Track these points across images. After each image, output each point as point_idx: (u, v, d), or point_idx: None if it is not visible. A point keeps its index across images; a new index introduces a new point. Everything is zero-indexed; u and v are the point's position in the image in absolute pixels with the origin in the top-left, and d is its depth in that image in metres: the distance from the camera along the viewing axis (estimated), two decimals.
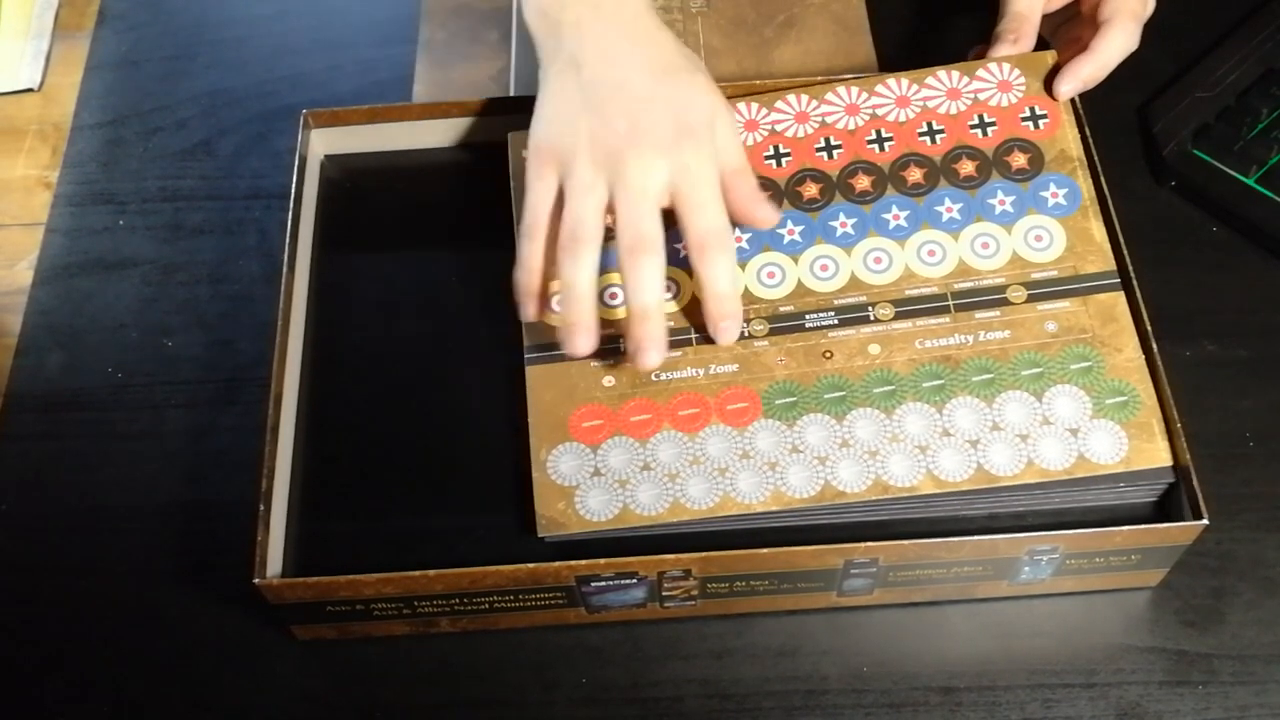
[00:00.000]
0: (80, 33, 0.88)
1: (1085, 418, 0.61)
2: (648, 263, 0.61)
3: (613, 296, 0.67)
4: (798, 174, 0.69)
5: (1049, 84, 0.69)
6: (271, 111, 0.82)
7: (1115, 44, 0.68)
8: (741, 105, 0.71)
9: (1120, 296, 0.64)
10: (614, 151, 0.62)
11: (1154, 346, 0.62)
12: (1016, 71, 0.70)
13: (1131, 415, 0.61)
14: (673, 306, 0.66)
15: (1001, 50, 0.70)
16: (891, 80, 0.71)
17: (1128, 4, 0.69)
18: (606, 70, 0.64)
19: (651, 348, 0.62)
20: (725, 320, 0.63)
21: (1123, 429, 0.61)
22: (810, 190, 0.69)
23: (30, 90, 0.86)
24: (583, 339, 0.62)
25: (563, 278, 0.62)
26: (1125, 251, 0.65)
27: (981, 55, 0.72)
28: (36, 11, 0.89)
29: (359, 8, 0.87)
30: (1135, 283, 0.64)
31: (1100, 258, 0.65)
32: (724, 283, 0.63)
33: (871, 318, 0.65)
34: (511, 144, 0.72)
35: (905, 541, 0.58)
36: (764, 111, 0.71)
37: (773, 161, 0.69)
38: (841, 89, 0.71)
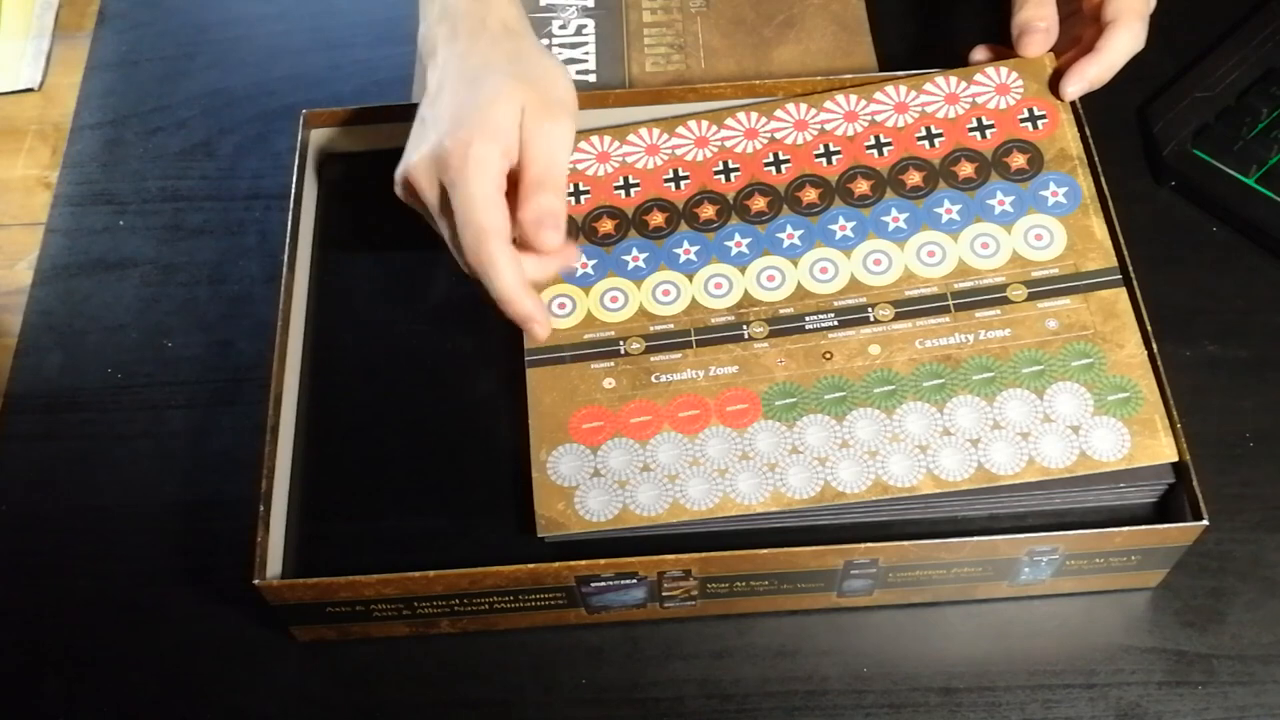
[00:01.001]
0: (80, 33, 0.88)
1: (1087, 414, 0.61)
2: (487, 278, 0.62)
3: (614, 300, 0.67)
4: (797, 179, 0.69)
5: (1054, 85, 0.69)
6: (271, 111, 0.82)
7: (1121, 44, 0.68)
8: (740, 114, 0.71)
9: (1122, 293, 0.64)
10: (406, 173, 0.63)
11: (1154, 345, 0.62)
12: (1014, 75, 0.70)
13: (1134, 411, 0.61)
14: (674, 311, 0.66)
15: (1035, 38, 0.69)
16: (890, 87, 0.71)
17: (1132, 3, 0.68)
18: (431, 90, 0.65)
19: (530, 323, 0.64)
20: (523, 322, 0.63)
21: (1125, 425, 0.61)
22: (810, 195, 0.69)
23: (30, 90, 0.86)
24: (536, 328, 0.64)
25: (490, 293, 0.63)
26: (1125, 248, 0.65)
27: (997, 55, 0.71)
28: (36, 11, 0.89)
29: (359, 8, 0.87)
30: (1135, 280, 0.64)
31: (1101, 254, 0.65)
32: (497, 291, 0.62)
33: (871, 318, 0.65)
34: None
35: (905, 542, 0.58)
36: (763, 120, 0.71)
37: (772, 168, 0.69)
38: (840, 97, 0.71)
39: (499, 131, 0.61)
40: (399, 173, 0.65)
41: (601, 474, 0.62)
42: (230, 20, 0.87)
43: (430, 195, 0.63)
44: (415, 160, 0.63)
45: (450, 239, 0.63)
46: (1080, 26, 0.71)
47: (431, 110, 0.64)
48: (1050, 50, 0.70)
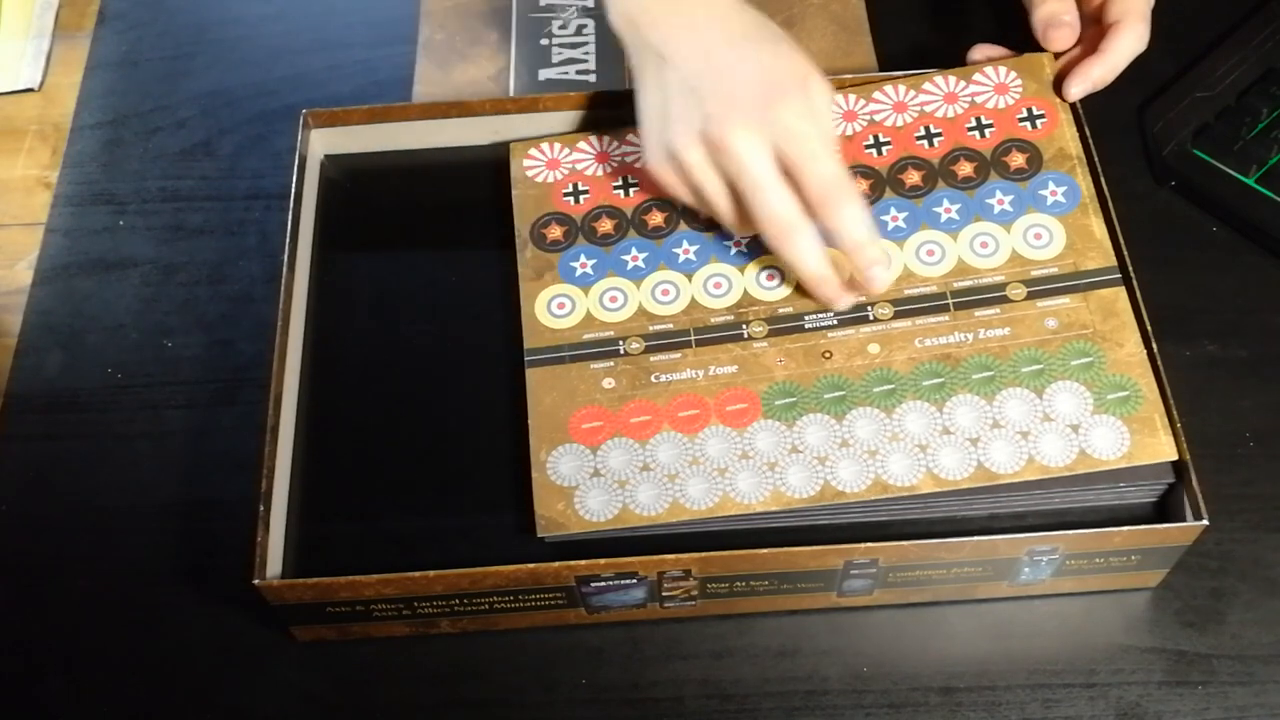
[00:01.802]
0: (80, 33, 0.88)
1: (1086, 413, 0.61)
2: (794, 242, 0.62)
3: (613, 300, 0.67)
4: None
5: (1056, 86, 0.69)
6: (271, 111, 0.82)
7: (1125, 45, 0.68)
8: None
9: (1121, 291, 0.64)
10: (709, 134, 0.62)
11: (1154, 345, 0.62)
12: (1013, 74, 0.70)
13: (1133, 410, 0.61)
14: (674, 311, 0.66)
15: (1061, 32, 0.69)
16: (889, 87, 0.71)
17: (1135, 3, 0.69)
18: (689, 54, 0.63)
19: (835, 299, 0.64)
20: (872, 268, 0.63)
21: (1124, 424, 0.61)
22: None
23: (30, 90, 0.86)
24: (844, 300, 0.65)
25: (797, 271, 0.64)
26: (1125, 248, 0.65)
27: (996, 54, 0.71)
28: (36, 11, 0.89)
29: (359, 8, 0.87)
30: (1135, 280, 0.64)
31: (1100, 253, 0.65)
32: (856, 231, 0.62)
33: (871, 317, 0.65)
34: (513, 154, 0.72)
35: (905, 542, 0.58)
36: None
37: None
38: (839, 96, 0.71)
39: (823, 96, 0.63)
40: (649, 144, 0.65)
41: (601, 474, 0.62)
42: (230, 20, 0.87)
43: (756, 163, 0.61)
44: (670, 137, 0.62)
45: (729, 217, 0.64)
46: (1081, 27, 0.71)
47: (662, 72, 0.63)
48: (1046, 54, 0.71)
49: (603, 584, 0.60)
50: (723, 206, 0.64)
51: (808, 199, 0.62)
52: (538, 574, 0.58)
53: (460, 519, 0.64)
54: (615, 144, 0.72)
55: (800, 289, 0.66)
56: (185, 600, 0.65)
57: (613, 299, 0.67)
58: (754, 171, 0.61)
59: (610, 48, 0.82)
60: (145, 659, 0.64)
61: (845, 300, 0.65)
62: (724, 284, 0.67)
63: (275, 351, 0.65)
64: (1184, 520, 0.60)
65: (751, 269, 0.67)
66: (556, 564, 0.58)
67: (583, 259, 0.68)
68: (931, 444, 0.61)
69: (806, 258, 0.63)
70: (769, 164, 0.61)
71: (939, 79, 0.71)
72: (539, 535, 0.61)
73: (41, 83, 0.86)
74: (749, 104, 0.61)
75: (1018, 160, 0.68)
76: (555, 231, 0.70)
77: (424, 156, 0.76)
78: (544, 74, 0.81)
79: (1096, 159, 0.67)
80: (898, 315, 0.65)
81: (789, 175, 0.62)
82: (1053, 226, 0.66)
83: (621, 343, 0.66)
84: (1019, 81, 0.70)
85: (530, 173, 0.72)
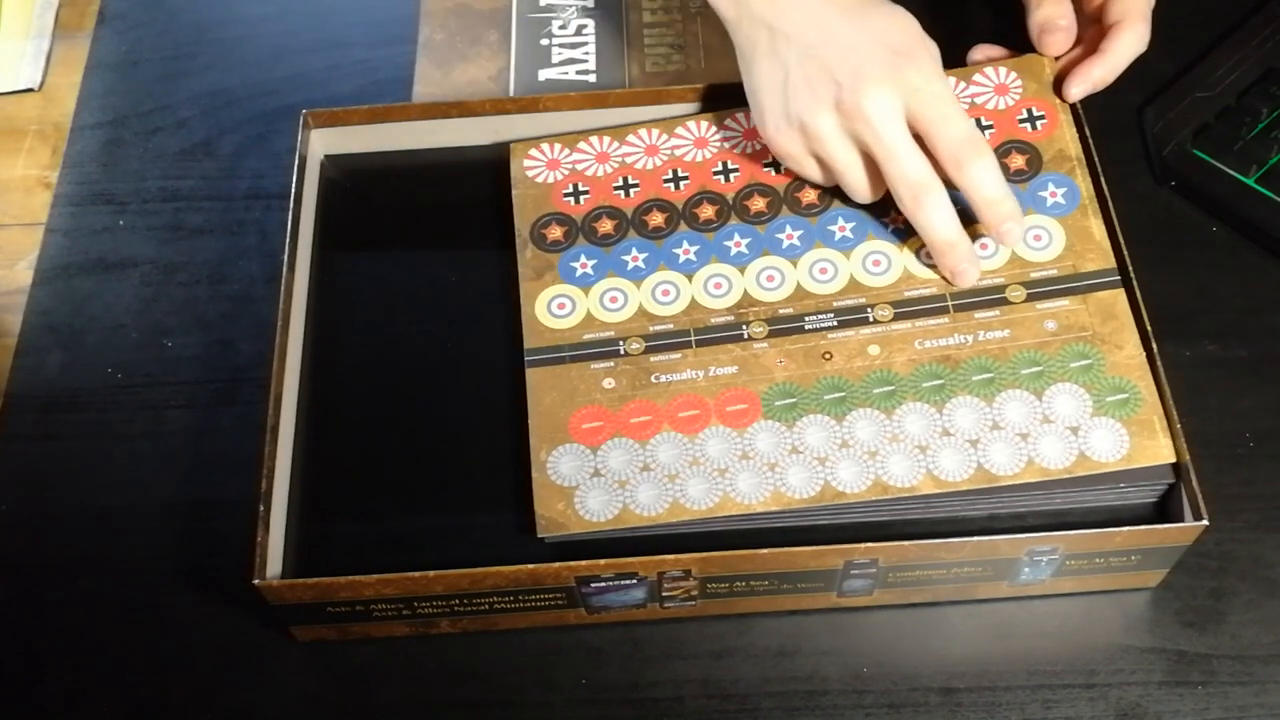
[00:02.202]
0: (80, 33, 0.88)
1: (1086, 416, 0.61)
2: (930, 204, 0.62)
3: (614, 300, 0.67)
4: (796, 180, 0.69)
5: (1057, 87, 0.69)
6: (271, 111, 0.82)
7: (1126, 45, 0.68)
8: (739, 115, 0.71)
9: (1120, 294, 0.64)
10: (843, 102, 0.62)
11: (1154, 346, 0.62)
12: (1013, 75, 0.70)
13: (1132, 412, 0.61)
14: (674, 311, 0.66)
15: (1057, 36, 0.70)
16: None
17: (1136, 4, 0.69)
18: (803, 25, 0.64)
19: (967, 269, 0.64)
20: (1005, 223, 0.63)
21: (1123, 426, 0.61)
22: (809, 195, 0.69)
23: (30, 90, 0.86)
24: (973, 271, 0.65)
25: (926, 236, 0.64)
26: (1125, 249, 0.65)
27: (997, 55, 0.72)
28: (36, 11, 0.89)
29: (359, 8, 0.87)
30: (1135, 281, 0.64)
31: (1099, 255, 0.65)
32: (991, 187, 0.62)
33: (871, 319, 0.65)
34: (513, 154, 0.72)
35: (905, 542, 0.58)
36: None
37: (771, 169, 0.70)
38: None
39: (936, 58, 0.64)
40: (769, 119, 0.65)
41: (601, 474, 0.62)
42: (230, 20, 0.87)
43: (891, 127, 0.62)
44: (874, 92, 0.61)
45: (903, 170, 0.63)
46: (1081, 27, 0.71)
47: (777, 47, 0.64)
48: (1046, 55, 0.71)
49: (603, 584, 0.60)
50: (854, 174, 0.65)
51: (941, 158, 0.62)
52: (538, 574, 0.58)
53: (460, 519, 0.64)
54: (615, 144, 0.72)
55: (800, 294, 0.66)
56: (185, 600, 0.65)
57: (613, 299, 0.67)
58: (889, 136, 0.62)
59: (610, 48, 0.82)
60: (145, 659, 0.64)
61: (971, 273, 0.64)
62: (724, 284, 0.67)
63: (275, 351, 0.65)
64: (1184, 520, 0.60)
65: (751, 270, 0.67)
66: (556, 564, 0.58)
67: (583, 259, 0.68)
68: (931, 445, 0.61)
69: (940, 221, 0.63)
70: (904, 128, 0.62)
71: None
72: (539, 535, 0.61)
73: (41, 83, 0.86)
74: (879, 70, 0.62)
75: (1017, 162, 0.68)
76: (555, 231, 0.70)
77: (424, 156, 0.76)
78: (544, 74, 0.81)
79: (1097, 159, 0.67)
80: (898, 317, 0.65)
81: (917, 137, 0.62)
82: (1052, 228, 0.66)
83: (622, 343, 0.66)
84: (1019, 82, 0.70)
85: (530, 173, 0.72)
